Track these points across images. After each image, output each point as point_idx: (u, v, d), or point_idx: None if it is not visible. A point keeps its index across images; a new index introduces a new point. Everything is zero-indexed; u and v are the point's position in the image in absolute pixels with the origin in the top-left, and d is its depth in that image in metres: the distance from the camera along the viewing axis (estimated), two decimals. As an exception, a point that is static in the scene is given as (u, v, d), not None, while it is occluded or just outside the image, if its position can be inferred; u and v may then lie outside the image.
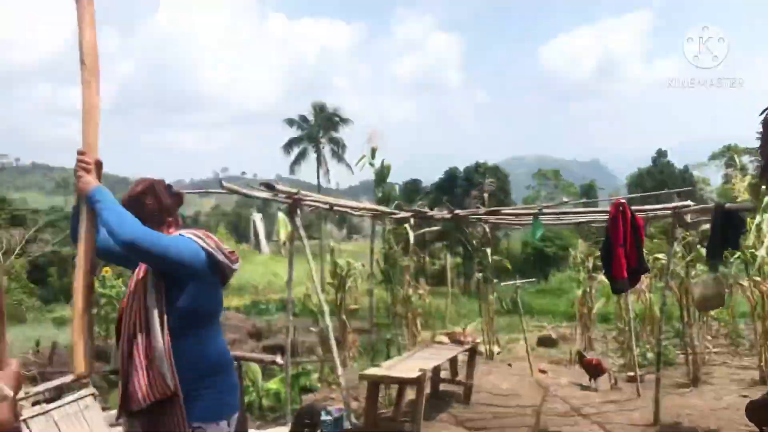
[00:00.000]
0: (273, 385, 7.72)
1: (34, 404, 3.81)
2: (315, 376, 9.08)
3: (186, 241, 2.64)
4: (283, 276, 7.42)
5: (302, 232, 5.97)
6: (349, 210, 6.99)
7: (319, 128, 46.55)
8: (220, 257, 2.69)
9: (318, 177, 47.05)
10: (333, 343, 5.89)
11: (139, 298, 2.66)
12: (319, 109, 46.88)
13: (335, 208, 6.77)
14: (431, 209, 9.57)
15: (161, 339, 2.57)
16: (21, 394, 3.89)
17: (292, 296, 6.79)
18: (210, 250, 2.66)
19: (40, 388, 3.96)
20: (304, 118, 46.86)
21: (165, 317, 2.60)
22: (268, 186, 5.56)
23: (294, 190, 5.85)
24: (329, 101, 47.35)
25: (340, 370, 5.85)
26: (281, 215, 6.32)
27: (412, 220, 8.17)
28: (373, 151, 8.59)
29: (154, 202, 2.71)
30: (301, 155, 46.83)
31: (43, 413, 3.72)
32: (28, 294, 30.58)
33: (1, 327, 2.13)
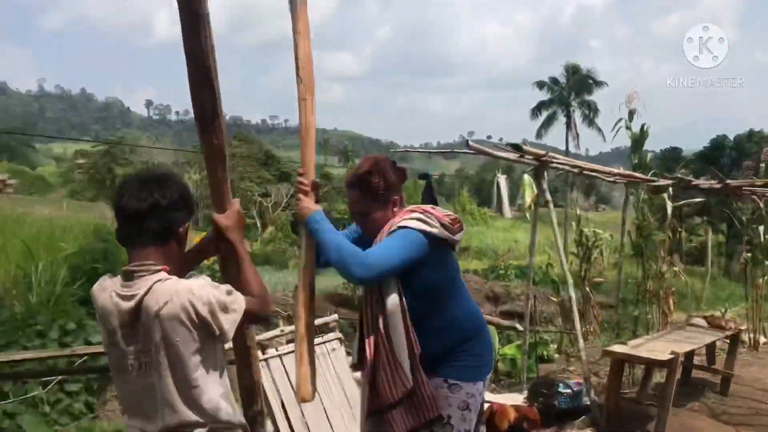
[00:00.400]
0: (509, 350, 7.64)
1: (287, 342, 4.10)
2: (553, 347, 8.84)
3: (405, 237, 2.57)
4: (524, 242, 7.15)
5: (548, 196, 5.71)
6: (600, 175, 6.54)
7: (570, 91, 44.84)
8: (444, 235, 2.63)
9: (566, 142, 45.57)
10: (576, 315, 5.61)
11: (376, 291, 2.67)
12: (572, 71, 45.08)
13: (585, 172, 6.37)
14: (694, 179, 8.66)
15: (401, 329, 2.58)
16: (277, 332, 4.22)
17: (533, 262, 6.56)
18: (433, 232, 2.59)
19: (294, 327, 4.23)
20: (555, 81, 45.42)
21: (404, 303, 2.59)
22: (515, 146, 5.38)
23: (542, 152, 5.61)
24: (583, 63, 45.25)
25: (581, 343, 5.56)
26: (527, 177, 6.10)
27: (670, 190, 7.44)
28: (631, 114, 7.95)
29: (381, 180, 2.69)
30: (550, 119, 45.58)
31: (294, 351, 3.98)
32: (290, 244, 33.95)
33: (224, 172, 2.22)
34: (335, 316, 4.45)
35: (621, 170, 6.56)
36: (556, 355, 8.54)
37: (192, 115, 2.16)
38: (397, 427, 2.63)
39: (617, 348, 5.28)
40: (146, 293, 1.93)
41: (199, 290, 1.96)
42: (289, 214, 38.93)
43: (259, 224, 38.82)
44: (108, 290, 2.01)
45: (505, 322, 5.02)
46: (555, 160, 5.70)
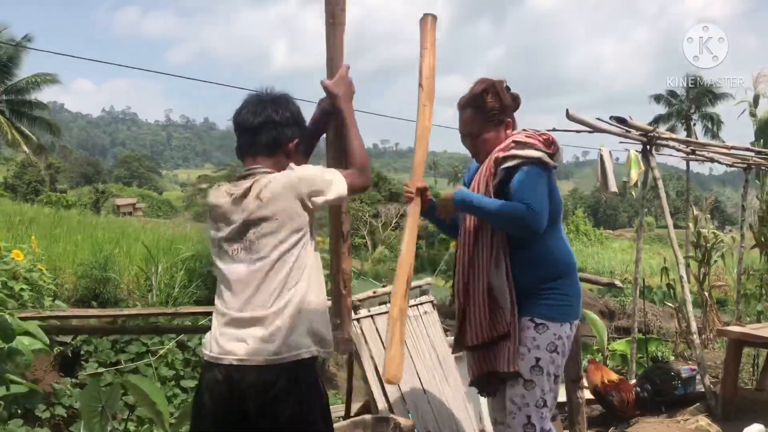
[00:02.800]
0: (619, 346, 7.26)
1: (380, 303, 4.10)
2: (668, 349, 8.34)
3: (539, 176, 2.56)
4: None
5: (657, 174, 5.40)
6: (716, 154, 6.11)
7: (690, 104, 42.61)
8: (551, 164, 2.59)
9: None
10: (687, 296, 5.25)
11: (473, 226, 2.69)
12: (692, 83, 42.78)
13: (698, 153, 6.02)
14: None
15: (499, 264, 2.58)
16: (369, 293, 4.22)
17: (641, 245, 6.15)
18: (548, 163, 2.58)
19: (387, 289, 4.23)
20: (673, 94, 43.18)
21: (505, 239, 2.60)
22: (619, 120, 5.14)
23: (649, 127, 5.33)
24: (705, 76, 42.68)
25: (693, 327, 5.17)
26: (633, 152, 5.82)
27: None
28: (756, 98, 7.49)
29: (495, 100, 2.68)
30: (668, 134, 43.46)
31: (387, 312, 3.97)
32: (397, 261, 34.14)
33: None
34: (428, 279, 4.41)
35: (741, 146, 6.08)
36: (672, 358, 8.02)
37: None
38: (472, 369, 2.78)
39: (735, 327, 4.87)
40: (254, 183, 2.07)
41: (301, 169, 2.10)
42: (399, 233, 39.26)
43: (369, 244, 39.27)
44: (221, 189, 2.17)
45: (605, 279, 4.73)
46: (664, 136, 5.41)
